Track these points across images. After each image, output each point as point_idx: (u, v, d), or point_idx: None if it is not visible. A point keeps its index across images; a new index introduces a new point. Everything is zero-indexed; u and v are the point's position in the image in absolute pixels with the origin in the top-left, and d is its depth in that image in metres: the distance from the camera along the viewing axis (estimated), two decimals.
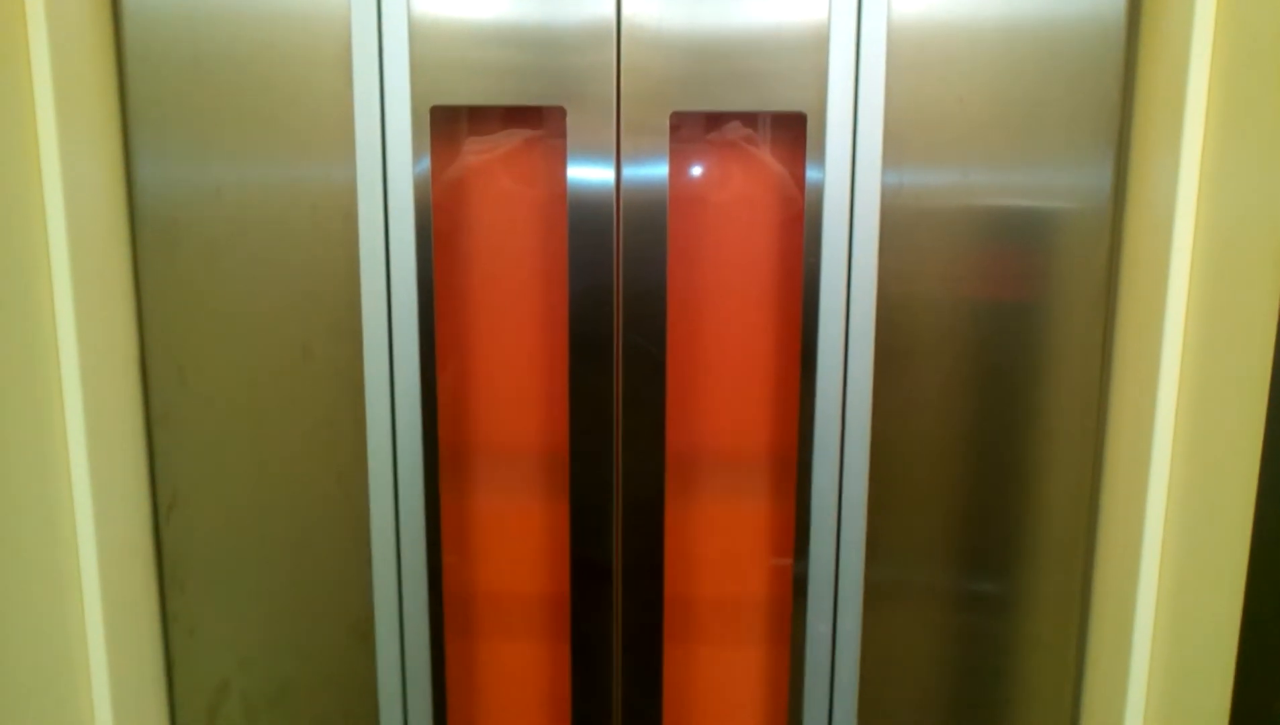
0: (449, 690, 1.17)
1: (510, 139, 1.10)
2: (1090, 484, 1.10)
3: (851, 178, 1.03)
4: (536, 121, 1.09)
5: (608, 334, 1.07)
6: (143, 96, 1.03)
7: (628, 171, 1.04)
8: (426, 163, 1.03)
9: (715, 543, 1.19)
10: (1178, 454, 1.00)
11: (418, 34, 1.00)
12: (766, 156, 1.11)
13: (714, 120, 1.10)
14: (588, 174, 1.04)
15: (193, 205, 1.05)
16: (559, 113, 1.03)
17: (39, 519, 0.98)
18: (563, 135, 1.03)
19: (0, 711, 0.94)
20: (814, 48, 1.01)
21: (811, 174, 1.03)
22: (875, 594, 1.12)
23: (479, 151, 1.10)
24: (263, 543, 1.12)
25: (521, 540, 1.19)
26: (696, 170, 1.11)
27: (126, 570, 1.08)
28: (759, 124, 1.10)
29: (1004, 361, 1.08)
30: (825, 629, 1.12)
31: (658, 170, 1.04)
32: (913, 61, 1.01)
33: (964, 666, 1.15)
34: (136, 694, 1.10)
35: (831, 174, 1.02)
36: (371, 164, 1.03)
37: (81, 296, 0.99)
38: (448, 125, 1.08)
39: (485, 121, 1.10)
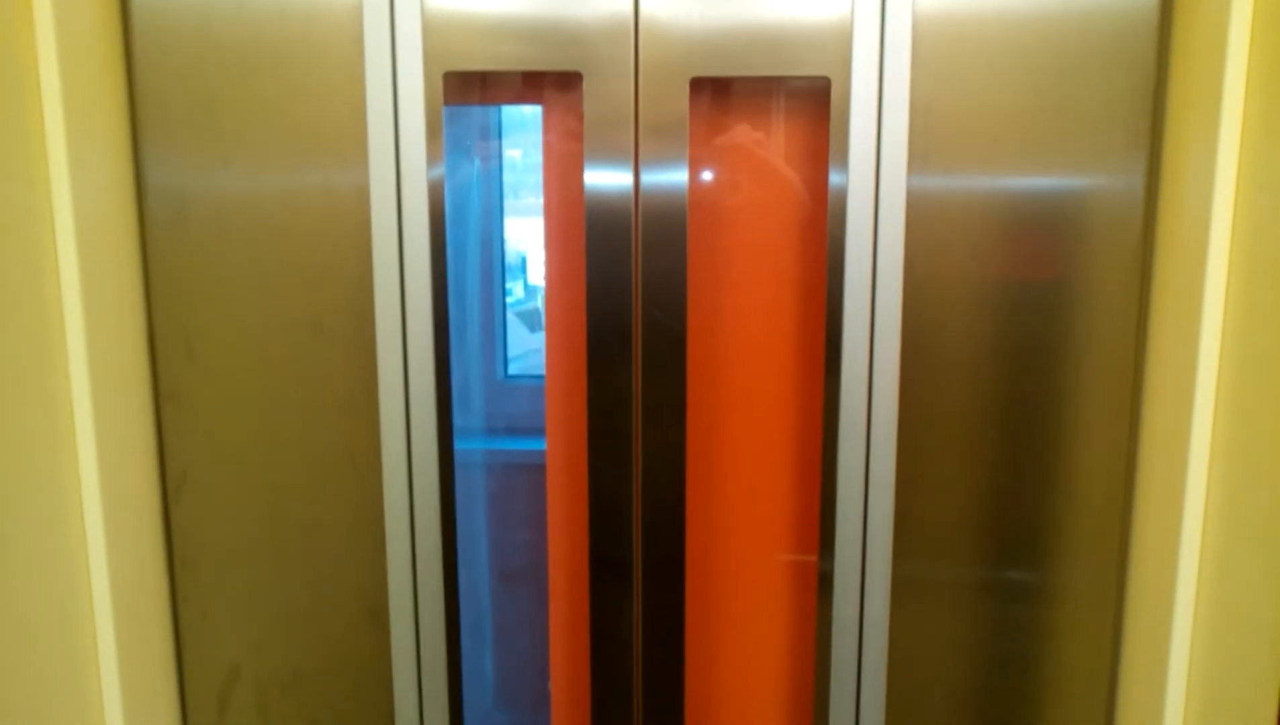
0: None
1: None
2: (1125, 471, 1.07)
3: (877, 146, 1.00)
4: (555, 88, 1.06)
5: (626, 308, 1.05)
6: (151, 68, 1.01)
7: (646, 140, 1.01)
8: (440, 131, 1.00)
9: (738, 532, 1.16)
10: (1217, 441, 0.96)
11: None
12: (788, 127, 1.07)
13: (736, 91, 1.07)
14: (605, 141, 1.01)
15: (201, 177, 1.03)
16: (576, 78, 1.00)
17: (46, 498, 0.96)
18: (579, 101, 1.00)
19: (9, 696, 0.92)
20: (838, 9, 0.97)
21: (836, 141, 1.00)
22: (903, 583, 1.09)
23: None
24: (275, 523, 1.10)
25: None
26: (718, 140, 1.08)
27: (136, 550, 1.06)
28: (781, 92, 1.07)
29: (1035, 345, 1.04)
30: (852, 615, 1.08)
31: (678, 139, 1.01)
32: (940, 23, 0.98)
33: (995, 657, 1.11)
34: (146, 678, 1.08)
35: (856, 144, 0.99)
36: (384, 132, 1.00)
37: (88, 270, 0.97)
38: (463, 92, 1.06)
39: (501, 88, 1.07)
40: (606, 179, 1.02)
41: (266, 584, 1.11)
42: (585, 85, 1.00)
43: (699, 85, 1.02)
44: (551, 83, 1.07)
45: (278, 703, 1.14)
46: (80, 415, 0.98)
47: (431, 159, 1.01)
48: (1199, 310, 0.95)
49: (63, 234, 0.95)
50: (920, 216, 1.01)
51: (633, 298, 1.05)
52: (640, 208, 1.03)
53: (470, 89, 1.08)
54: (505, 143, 1.34)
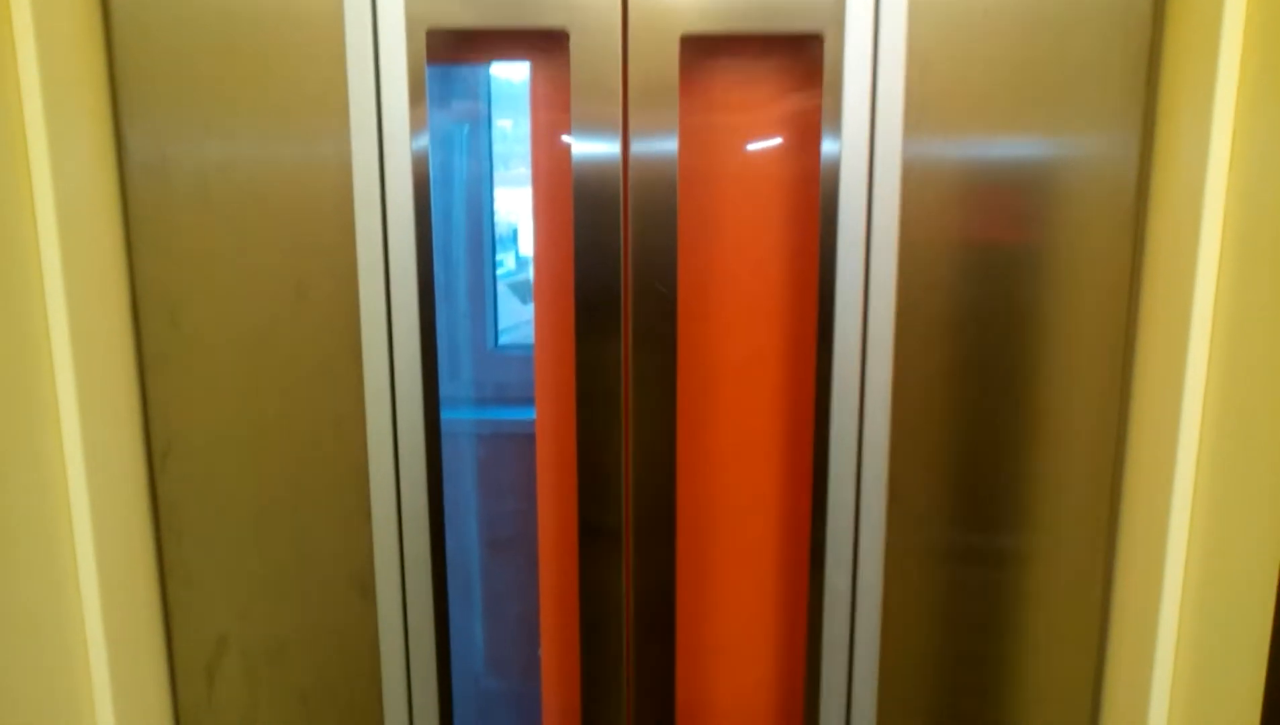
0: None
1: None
2: (1117, 437, 1.06)
3: (871, 106, 0.98)
4: (541, 47, 1.04)
5: (615, 275, 1.03)
6: (129, 32, 0.99)
7: (635, 101, 0.99)
8: (423, 91, 0.98)
9: (730, 500, 1.15)
10: (1208, 409, 0.96)
11: None
12: (781, 90, 1.05)
13: (727, 50, 1.05)
14: (592, 102, 0.99)
15: (182, 142, 1.01)
16: (562, 36, 0.98)
17: (28, 468, 0.95)
18: (567, 62, 0.98)
19: None
20: None
21: (829, 102, 0.98)
22: (895, 550, 1.08)
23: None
24: (261, 492, 1.09)
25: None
26: (708, 98, 1.06)
27: (121, 520, 1.05)
28: (773, 53, 1.05)
29: (1029, 311, 1.03)
30: (844, 581, 1.08)
31: (667, 100, 0.99)
32: None
33: (987, 623, 1.11)
34: (134, 649, 1.08)
35: (850, 103, 0.97)
36: (365, 90, 0.98)
37: (69, 238, 0.96)
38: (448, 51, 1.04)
39: (486, 46, 1.05)
40: (594, 142, 1.00)
41: (253, 553, 1.10)
42: (572, 43, 0.97)
43: (689, 44, 1.00)
44: (538, 41, 1.04)
45: (265, 672, 1.13)
46: (63, 385, 0.97)
47: (415, 120, 0.98)
48: (1192, 274, 0.94)
49: (43, 201, 0.94)
50: (913, 179, 1.00)
51: (622, 264, 1.03)
52: (629, 170, 1.01)
53: (454, 47, 1.05)
54: (496, 113, 1.31)
